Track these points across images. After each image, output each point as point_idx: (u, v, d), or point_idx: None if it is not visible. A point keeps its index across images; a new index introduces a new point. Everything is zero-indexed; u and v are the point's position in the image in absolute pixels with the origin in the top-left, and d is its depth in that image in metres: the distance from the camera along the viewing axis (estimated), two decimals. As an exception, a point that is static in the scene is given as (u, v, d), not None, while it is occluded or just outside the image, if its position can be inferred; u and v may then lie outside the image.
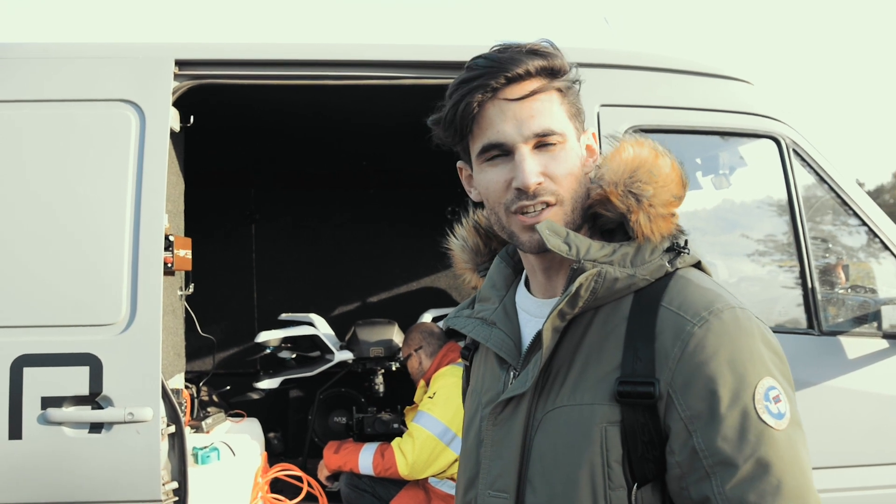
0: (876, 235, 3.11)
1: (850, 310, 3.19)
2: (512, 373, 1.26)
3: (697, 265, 1.25)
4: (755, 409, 1.06)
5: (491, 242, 1.47)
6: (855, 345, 2.99)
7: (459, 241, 1.50)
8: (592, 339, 1.18)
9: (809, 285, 2.98)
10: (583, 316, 1.20)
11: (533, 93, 1.18)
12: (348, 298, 5.39)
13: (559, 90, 1.21)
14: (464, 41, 3.16)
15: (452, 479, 3.46)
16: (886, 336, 3.02)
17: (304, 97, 3.63)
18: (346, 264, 5.35)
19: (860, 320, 3.14)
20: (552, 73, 1.20)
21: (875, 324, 3.08)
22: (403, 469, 3.36)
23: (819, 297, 3.00)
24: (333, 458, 3.57)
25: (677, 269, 1.20)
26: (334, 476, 3.69)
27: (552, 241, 1.16)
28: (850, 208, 3.11)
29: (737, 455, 1.05)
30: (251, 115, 3.96)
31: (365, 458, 3.46)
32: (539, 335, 1.19)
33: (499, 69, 1.17)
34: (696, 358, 1.08)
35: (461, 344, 1.60)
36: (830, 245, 3.32)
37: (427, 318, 4.66)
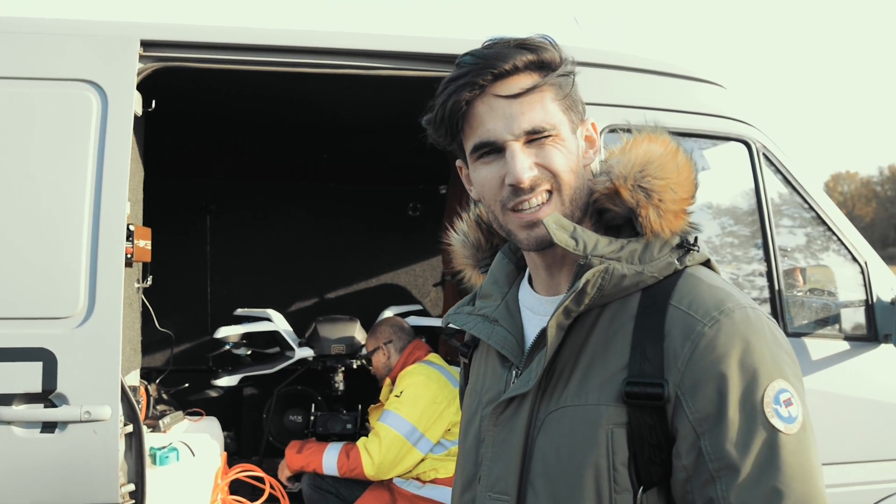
0: (839, 239, 3.18)
1: (813, 312, 3.26)
2: (514, 371, 1.22)
3: (706, 263, 1.22)
4: (764, 412, 1.04)
5: (493, 238, 1.43)
6: (818, 346, 3.05)
7: (460, 236, 1.46)
8: (598, 337, 1.15)
9: (776, 287, 3.03)
10: (588, 314, 1.16)
11: (524, 91, 1.14)
12: (306, 294, 5.27)
13: (550, 84, 1.17)
14: (442, 34, 3.10)
15: (418, 479, 3.40)
16: (848, 338, 3.10)
17: (269, 86, 3.52)
18: (305, 259, 5.23)
19: (822, 322, 3.21)
20: (542, 66, 1.16)
21: (837, 326, 3.16)
22: (369, 469, 3.28)
23: (785, 299, 3.05)
24: (296, 457, 3.47)
25: (686, 266, 1.17)
26: (296, 477, 3.59)
27: (559, 235, 1.12)
28: (815, 213, 3.18)
29: (743, 459, 1.03)
30: (212, 103, 3.82)
31: (329, 459, 3.37)
32: (543, 333, 1.16)
33: (485, 66, 1.14)
34: (706, 359, 1.06)
35: (448, 339, 1.55)
36: (795, 248, 3.38)
37: (388, 314, 4.59)
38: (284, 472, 3.53)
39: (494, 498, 1.19)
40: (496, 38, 1.20)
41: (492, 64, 1.14)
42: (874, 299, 3.10)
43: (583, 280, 1.11)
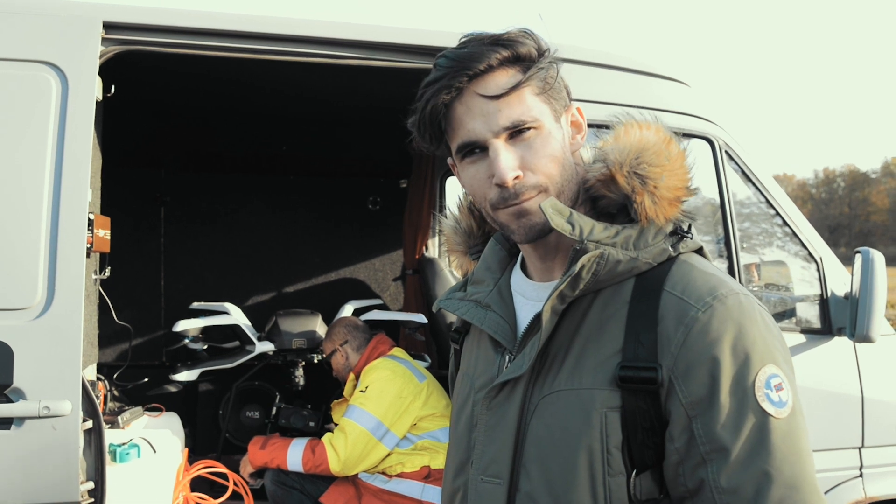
0: (796, 236, 3.28)
1: (771, 306, 3.35)
2: (507, 356, 1.23)
3: (699, 251, 1.24)
4: (755, 396, 1.05)
5: (485, 225, 1.44)
6: (776, 339, 3.13)
7: (452, 222, 1.46)
8: (592, 322, 1.16)
9: (737, 281, 3.10)
10: (581, 299, 1.17)
11: (503, 92, 1.14)
12: (263, 288, 5.17)
13: (530, 79, 1.17)
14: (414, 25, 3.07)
15: (384, 473, 3.38)
16: (803, 331, 3.19)
17: (231, 73, 3.44)
18: (262, 253, 5.14)
19: (779, 316, 3.31)
20: (518, 60, 1.16)
21: (793, 319, 3.26)
22: (335, 465, 3.24)
23: (745, 293, 3.12)
24: (259, 453, 3.40)
25: (680, 253, 1.18)
26: (258, 473, 3.52)
27: (556, 219, 1.13)
28: (774, 209, 3.26)
29: (734, 442, 1.04)
30: (172, 89, 3.72)
31: (294, 455, 3.31)
32: (538, 317, 1.16)
33: (460, 68, 1.14)
34: (699, 343, 1.07)
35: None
36: (754, 244, 3.47)
37: (348, 309, 4.54)
38: (247, 469, 3.46)
39: (486, 481, 1.19)
40: (472, 34, 1.19)
41: (466, 65, 1.13)
42: (828, 294, 3.20)
43: (578, 265, 1.12)
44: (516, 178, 1.14)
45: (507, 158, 1.14)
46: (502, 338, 1.23)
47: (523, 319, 1.24)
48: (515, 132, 1.15)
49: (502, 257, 1.35)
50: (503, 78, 1.15)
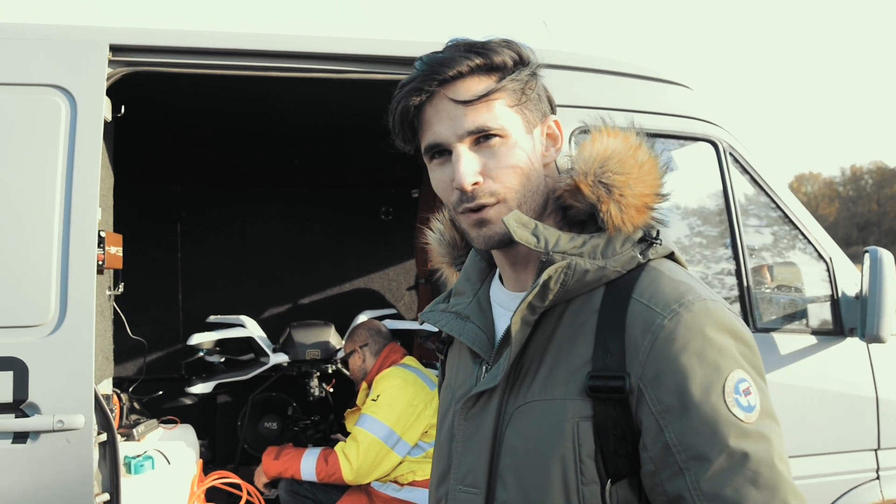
0: (804, 237, 3.26)
1: (781, 308, 3.33)
2: (484, 367, 1.24)
3: (671, 256, 1.23)
4: (725, 402, 1.06)
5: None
6: (786, 341, 3.11)
7: (437, 234, 1.47)
8: (563, 332, 1.17)
9: (745, 284, 3.09)
10: (554, 309, 1.18)
11: (473, 98, 1.15)
12: (278, 300, 5.24)
13: (501, 89, 1.17)
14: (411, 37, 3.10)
15: (396, 482, 3.40)
16: (815, 332, 3.16)
17: (240, 90, 3.49)
18: (277, 265, 5.20)
19: (790, 318, 3.28)
20: (492, 69, 1.17)
21: (804, 321, 3.23)
22: (348, 474, 3.27)
23: (754, 295, 3.11)
24: (273, 464, 3.44)
25: (649, 260, 1.18)
26: (272, 483, 3.56)
27: (519, 232, 1.13)
28: (782, 211, 3.24)
29: (709, 449, 1.04)
30: (182, 108, 3.79)
31: (307, 464, 3.35)
32: (509, 329, 1.17)
33: (430, 72, 1.15)
34: (666, 351, 1.07)
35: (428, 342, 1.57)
36: (762, 246, 3.45)
37: (362, 319, 4.58)
38: (261, 479, 3.51)
39: (464, 491, 1.20)
40: (456, 40, 1.21)
41: (437, 70, 1.15)
42: (839, 294, 3.18)
43: (544, 276, 1.12)
44: (475, 183, 1.16)
45: (467, 164, 1.15)
46: (479, 348, 1.24)
47: (501, 330, 1.25)
48: (481, 138, 1.16)
49: (482, 268, 1.36)
50: (476, 85, 1.16)
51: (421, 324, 1.42)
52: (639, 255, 1.17)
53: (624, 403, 1.09)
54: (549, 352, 1.17)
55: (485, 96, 1.15)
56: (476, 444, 1.20)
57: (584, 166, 1.19)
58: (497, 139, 1.16)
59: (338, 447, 3.37)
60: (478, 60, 1.16)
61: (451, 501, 1.23)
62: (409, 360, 3.70)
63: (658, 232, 1.20)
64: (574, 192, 1.19)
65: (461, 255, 1.44)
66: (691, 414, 1.05)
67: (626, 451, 1.10)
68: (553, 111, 1.27)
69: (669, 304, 1.10)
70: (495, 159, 1.16)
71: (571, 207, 1.22)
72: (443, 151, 1.18)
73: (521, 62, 1.20)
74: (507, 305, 1.27)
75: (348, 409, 3.84)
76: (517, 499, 1.14)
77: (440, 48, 1.21)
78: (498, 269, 1.33)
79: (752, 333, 1.17)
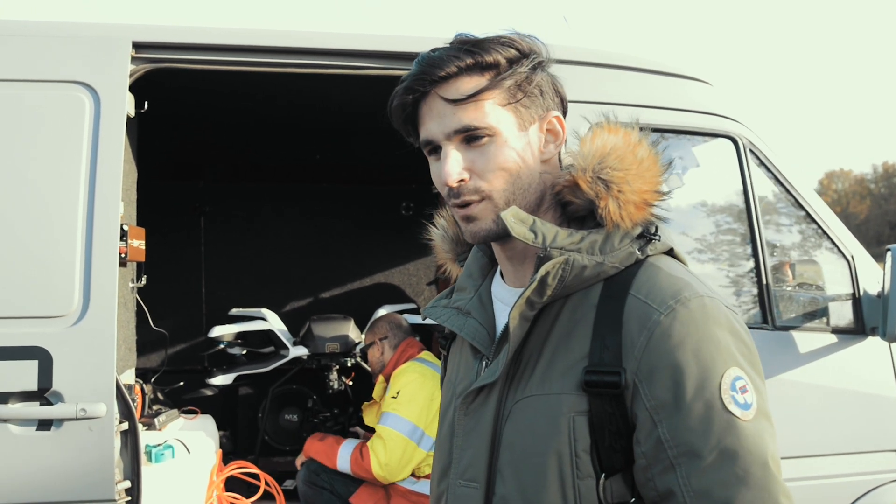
0: (826, 234, 3.22)
1: (801, 306, 3.29)
2: (484, 362, 1.24)
3: (670, 252, 1.23)
4: (721, 399, 1.05)
5: None
6: (806, 339, 3.08)
7: (440, 230, 1.47)
8: (561, 327, 1.17)
9: (764, 282, 3.06)
10: (553, 304, 1.18)
11: (463, 98, 1.15)
12: (299, 294, 5.30)
13: (493, 88, 1.17)
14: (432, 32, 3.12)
15: (413, 474, 3.43)
16: (835, 331, 3.13)
17: (262, 87, 3.54)
18: (298, 260, 5.26)
19: (810, 316, 3.25)
20: (485, 68, 1.17)
21: (824, 319, 3.19)
22: (378, 470, 3.31)
23: (773, 293, 3.08)
24: (315, 445, 3.54)
25: (648, 256, 1.18)
26: (290, 474, 3.62)
27: (517, 228, 1.14)
28: (802, 208, 3.21)
29: (702, 446, 1.04)
30: (205, 104, 3.85)
31: (344, 455, 3.42)
32: (507, 324, 1.18)
33: (421, 73, 1.16)
34: (662, 347, 1.07)
35: (439, 338, 1.58)
36: (783, 243, 3.41)
37: (381, 313, 4.61)
38: (300, 458, 3.67)
39: (464, 485, 1.21)
40: (461, 35, 1.21)
41: (427, 71, 1.15)
42: (861, 293, 3.14)
43: (542, 272, 1.13)
44: (461, 181, 1.17)
45: (453, 162, 1.16)
46: (480, 344, 1.25)
47: (501, 325, 1.26)
48: (470, 137, 1.17)
49: (483, 264, 1.36)
50: (468, 84, 1.16)
51: (423, 319, 1.44)
52: (637, 252, 1.17)
53: (619, 398, 1.10)
54: (548, 347, 1.17)
55: (473, 96, 1.15)
56: (476, 438, 1.21)
57: (583, 162, 1.19)
58: (486, 138, 1.16)
59: (369, 443, 3.42)
60: (468, 60, 1.16)
61: (451, 496, 1.24)
62: (426, 354, 3.72)
63: (657, 228, 1.20)
64: (573, 187, 1.20)
65: (464, 250, 1.44)
66: (685, 410, 1.05)
67: (621, 446, 1.10)
68: (562, 106, 1.27)
69: (666, 300, 1.10)
70: (483, 158, 1.17)
71: (571, 203, 1.22)
72: (437, 147, 1.20)
73: (519, 59, 1.19)
74: (507, 301, 1.27)
75: (365, 403, 3.88)
76: (515, 493, 1.15)
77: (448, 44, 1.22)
78: (499, 265, 1.34)
79: (750, 331, 1.16)
